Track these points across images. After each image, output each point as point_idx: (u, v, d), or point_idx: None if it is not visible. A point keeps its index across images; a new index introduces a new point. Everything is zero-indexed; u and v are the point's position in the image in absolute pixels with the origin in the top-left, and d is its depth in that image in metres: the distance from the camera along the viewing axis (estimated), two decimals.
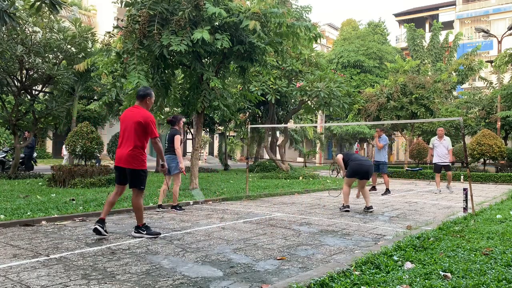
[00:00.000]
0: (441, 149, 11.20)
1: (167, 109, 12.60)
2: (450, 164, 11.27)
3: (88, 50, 14.15)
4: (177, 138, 7.25)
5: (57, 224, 5.90)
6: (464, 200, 7.10)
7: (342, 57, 37.20)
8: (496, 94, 20.27)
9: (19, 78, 13.16)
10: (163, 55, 8.80)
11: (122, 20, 10.03)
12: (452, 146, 27.58)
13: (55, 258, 4.08)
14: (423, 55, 35.76)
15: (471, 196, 7.01)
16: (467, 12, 39.47)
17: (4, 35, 11.98)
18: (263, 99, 15.31)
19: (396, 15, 46.22)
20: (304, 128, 30.50)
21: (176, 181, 7.35)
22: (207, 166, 24.90)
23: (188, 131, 24.06)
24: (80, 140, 10.96)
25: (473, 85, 31.81)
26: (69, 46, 13.43)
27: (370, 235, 5.47)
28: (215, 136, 38.02)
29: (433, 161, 11.48)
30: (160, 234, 5.18)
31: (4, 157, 15.04)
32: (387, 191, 11.03)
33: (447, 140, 11.22)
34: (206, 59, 10.34)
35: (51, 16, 12.89)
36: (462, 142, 7.81)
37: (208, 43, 8.61)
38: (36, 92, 14.31)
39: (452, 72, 27.67)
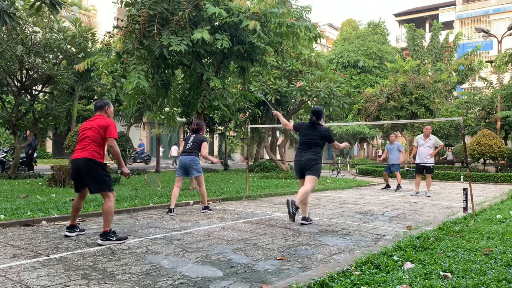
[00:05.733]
0: (424, 149, 10.50)
1: (167, 109, 12.59)
2: (432, 166, 10.62)
3: (88, 50, 14.16)
4: (205, 146, 7.29)
5: (57, 224, 5.90)
6: (464, 200, 7.10)
7: (342, 57, 37.21)
8: (496, 94, 20.28)
9: (19, 78, 13.16)
10: (163, 55, 8.80)
11: (122, 20, 10.03)
12: (452, 145, 27.54)
13: (55, 258, 4.08)
14: (423, 55, 35.76)
15: (471, 196, 7.01)
16: (467, 12, 39.47)
17: (4, 35, 11.98)
18: (263, 99, 15.32)
19: (396, 15, 46.23)
20: None
21: (199, 182, 7.32)
22: (207, 166, 24.90)
23: (188, 131, 24.06)
24: None
25: (473, 85, 31.81)
26: (69, 46, 13.44)
27: (370, 235, 5.47)
28: (215, 136, 38.02)
29: (415, 162, 10.90)
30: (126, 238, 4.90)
31: (4, 157, 15.04)
32: (398, 186, 12.29)
33: (433, 139, 10.51)
34: (206, 59, 10.35)
35: (51, 16, 12.90)
36: (462, 142, 7.80)
37: (208, 43, 8.61)
38: (36, 92, 14.31)
39: (452, 72, 27.68)
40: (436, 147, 10.56)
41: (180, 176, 7.30)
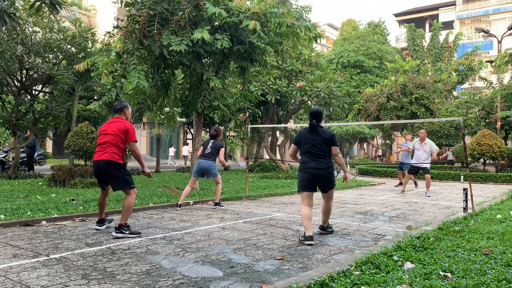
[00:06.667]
0: (421, 153, 10.60)
1: (167, 109, 12.59)
2: (428, 167, 10.70)
3: (88, 50, 14.15)
4: (223, 151, 7.88)
5: (57, 224, 5.90)
6: (464, 200, 7.10)
7: (342, 57, 37.21)
8: (496, 94, 20.28)
9: (19, 78, 13.16)
10: (163, 55, 8.80)
11: (122, 20, 10.03)
12: (452, 145, 27.53)
13: (55, 258, 4.08)
14: (423, 55, 35.77)
15: (471, 196, 7.01)
16: (467, 12, 39.47)
17: (4, 35, 11.98)
18: (263, 99, 15.31)
19: (396, 15, 46.24)
20: None
21: (217, 181, 7.92)
22: None
23: (188, 131, 24.08)
24: (80, 140, 10.95)
25: (473, 85, 31.83)
26: (69, 46, 13.44)
27: (370, 235, 5.47)
28: None
29: (411, 162, 11.10)
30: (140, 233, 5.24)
31: (4, 157, 15.04)
32: (400, 184, 12.61)
33: (428, 144, 10.58)
34: (206, 59, 10.34)
35: (51, 16, 12.90)
36: (462, 142, 7.81)
37: (208, 43, 8.61)
38: (36, 92, 14.31)
39: (452, 72, 27.70)
40: (432, 152, 10.69)
41: (195, 177, 7.93)
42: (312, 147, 5.08)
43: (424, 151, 10.60)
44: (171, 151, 29.62)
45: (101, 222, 5.54)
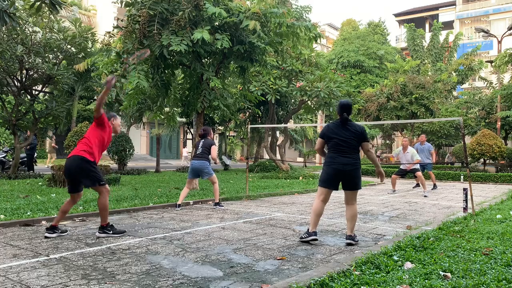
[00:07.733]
0: (404, 161, 11.00)
1: (167, 109, 12.60)
2: (416, 167, 10.97)
3: (88, 50, 14.16)
4: (214, 148, 7.74)
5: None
6: (464, 200, 7.10)
7: (342, 57, 37.20)
8: (496, 94, 20.27)
9: (19, 78, 13.16)
10: (163, 55, 8.80)
11: (122, 20, 10.03)
12: (452, 146, 27.53)
13: (55, 258, 4.08)
14: (423, 55, 35.74)
15: (471, 196, 7.01)
16: (467, 12, 39.45)
17: (4, 35, 11.98)
18: (263, 99, 15.32)
19: (396, 15, 46.21)
20: (304, 128, 30.52)
21: (213, 181, 7.83)
22: None
23: (188, 131, 24.09)
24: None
25: (473, 85, 31.79)
26: (69, 46, 13.44)
27: (370, 235, 5.47)
28: (215, 136, 38.02)
29: (400, 165, 11.43)
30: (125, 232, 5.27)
31: (4, 157, 15.04)
32: (434, 186, 12.52)
33: (410, 153, 10.87)
34: (206, 59, 10.35)
35: (51, 16, 12.90)
36: (462, 142, 7.81)
37: (208, 43, 8.62)
38: (36, 92, 14.31)
39: (452, 72, 27.67)
40: (413, 161, 10.93)
41: (191, 179, 7.86)
42: (341, 142, 4.78)
43: (406, 159, 10.96)
44: (185, 151, 29.47)
45: (52, 229, 5.04)
